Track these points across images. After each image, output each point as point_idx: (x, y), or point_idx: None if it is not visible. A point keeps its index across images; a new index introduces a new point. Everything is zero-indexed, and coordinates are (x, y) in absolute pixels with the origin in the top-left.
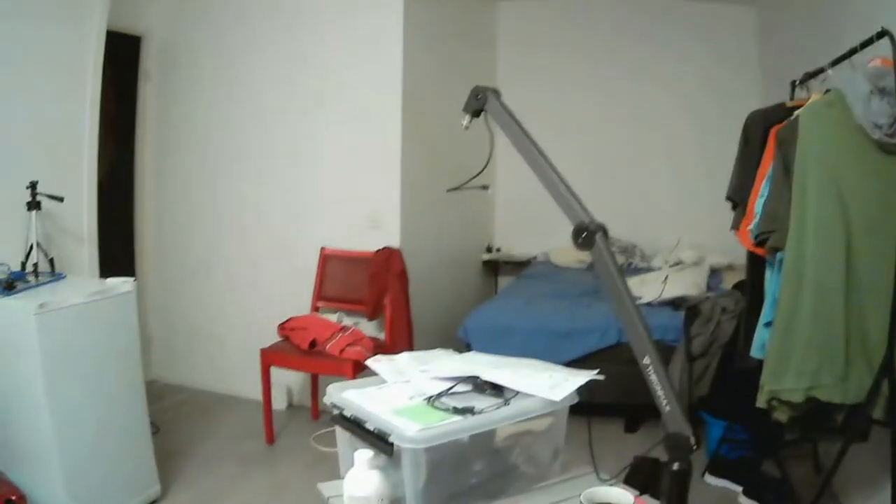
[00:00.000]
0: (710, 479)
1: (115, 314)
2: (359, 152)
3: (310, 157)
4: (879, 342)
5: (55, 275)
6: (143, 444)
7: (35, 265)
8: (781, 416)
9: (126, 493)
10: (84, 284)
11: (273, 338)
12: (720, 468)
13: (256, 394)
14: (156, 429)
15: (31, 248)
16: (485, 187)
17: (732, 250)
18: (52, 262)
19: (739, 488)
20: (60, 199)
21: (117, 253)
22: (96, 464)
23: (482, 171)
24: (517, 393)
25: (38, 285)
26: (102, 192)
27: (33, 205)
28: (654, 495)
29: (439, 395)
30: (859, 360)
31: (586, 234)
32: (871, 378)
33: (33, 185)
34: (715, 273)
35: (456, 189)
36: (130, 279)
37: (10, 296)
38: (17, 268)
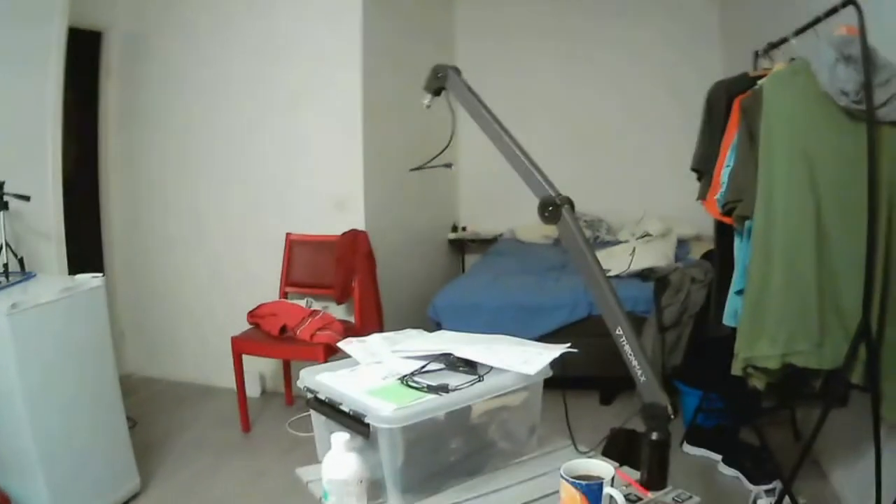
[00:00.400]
0: (689, 449)
1: (86, 310)
2: (321, 136)
3: (272, 144)
4: (853, 308)
5: (25, 274)
6: (121, 439)
7: (5, 265)
8: (758, 383)
9: (107, 489)
10: (54, 282)
11: (244, 326)
12: (698, 438)
13: (230, 382)
14: (133, 423)
15: (1, 248)
16: (448, 165)
17: (699, 221)
18: (21, 261)
19: (718, 457)
20: (27, 199)
21: (85, 249)
22: (76, 461)
23: (445, 149)
24: (491, 369)
25: (9, 285)
26: (68, 189)
27: (0, 205)
28: (633, 466)
29: (413, 374)
30: (834, 325)
31: (553, 207)
32: (847, 343)
33: (0, 186)
34: (682, 244)
35: (419, 168)
36: (99, 275)
37: None
38: None
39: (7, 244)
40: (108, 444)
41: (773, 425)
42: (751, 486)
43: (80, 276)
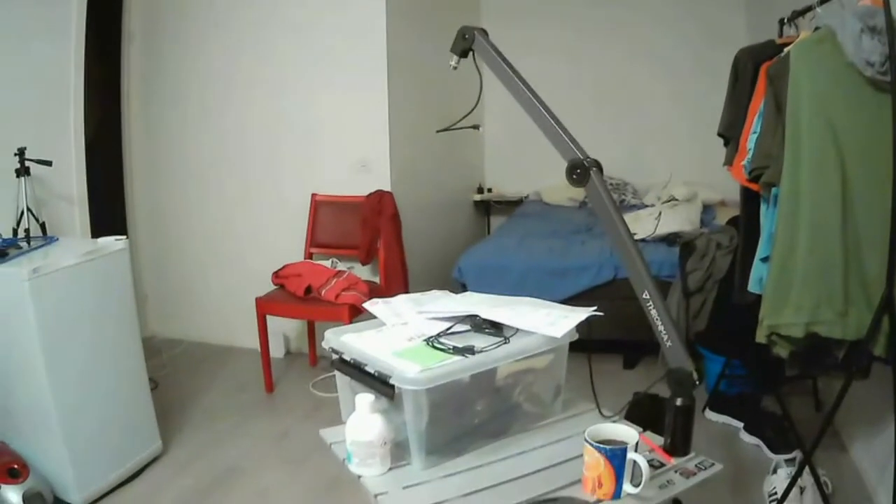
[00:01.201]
0: (711, 415)
1: (109, 273)
2: (346, 96)
3: (297, 105)
4: (878, 278)
5: (47, 238)
6: (142, 402)
7: (27, 230)
8: (782, 351)
9: (128, 452)
10: (76, 246)
11: (268, 286)
12: (720, 404)
13: (254, 343)
14: (154, 384)
15: (22, 213)
16: (475, 127)
17: (725, 186)
18: (43, 226)
19: (740, 424)
20: (49, 164)
21: (109, 213)
22: (97, 425)
23: (471, 111)
24: (517, 331)
25: (30, 250)
26: (91, 153)
27: (22, 171)
28: (656, 431)
29: (438, 335)
30: (858, 296)
31: (581, 170)
32: (871, 314)
33: (21, 152)
34: (708, 209)
35: (445, 130)
36: (122, 237)
37: (2, 263)
38: (9, 235)
39: (29, 209)
40: (130, 407)
41: (795, 395)
42: (771, 455)
43: (102, 240)
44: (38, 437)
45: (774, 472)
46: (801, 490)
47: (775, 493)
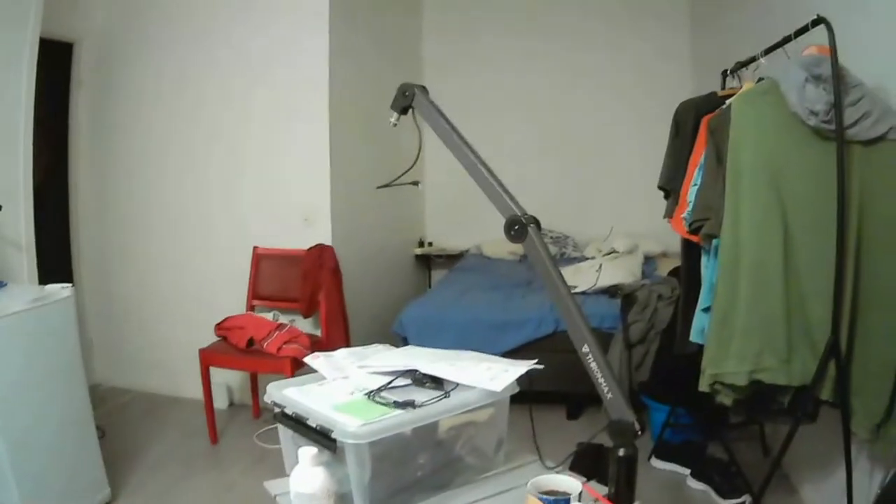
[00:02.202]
0: (657, 464)
1: (55, 320)
2: (289, 151)
3: (241, 158)
4: (822, 324)
5: None
6: (90, 450)
7: None
8: (725, 399)
9: (78, 500)
10: (24, 292)
11: (211, 338)
12: (666, 452)
13: (198, 394)
14: (102, 433)
15: None
16: (415, 183)
17: (666, 238)
18: None
19: (687, 471)
20: None
21: (55, 259)
22: (47, 474)
23: (411, 167)
24: (457, 385)
25: None
26: (38, 198)
27: None
28: (601, 481)
29: (379, 389)
30: (802, 342)
31: (518, 226)
32: (815, 360)
33: None
34: (649, 261)
35: (386, 186)
36: (69, 285)
37: None
38: None
39: None
40: (78, 454)
41: (742, 440)
42: (720, 501)
43: (49, 286)
44: None
45: None
46: None
47: None
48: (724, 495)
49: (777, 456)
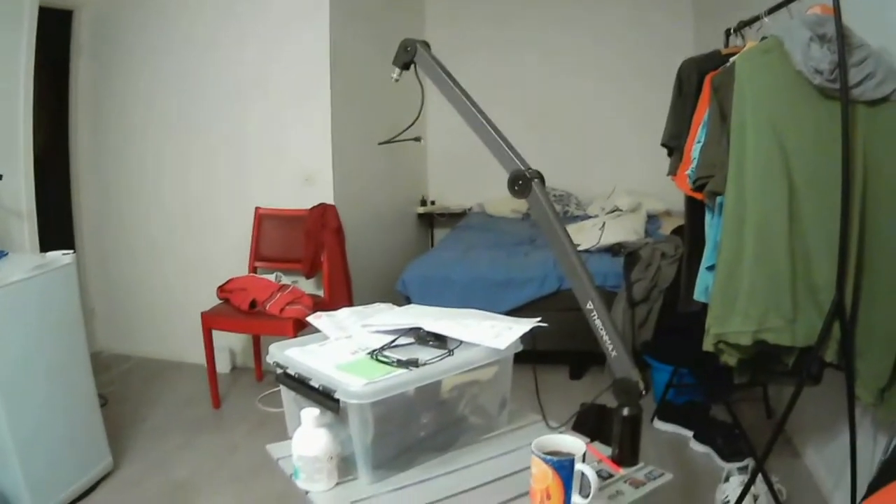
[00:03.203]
0: (659, 425)
1: (57, 287)
2: (289, 110)
3: (241, 119)
4: (827, 285)
5: None
6: (92, 418)
7: None
8: (729, 359)
9: (79, 469)
10: (25, 260)
11: (213, 301)
12: (669, 413)
13: (201, 358)
14: (104, 401)
15: None
16: (416, 139)
17: (669, 196)
18: None
19: (690, 433)
20: None
21: (56, 227)
22: (49, 443)
23: (413, 123)
24: (461, 343)
25: None
26: (39, 166)
27: None
28: (604, 441)
29: (382, 348)
30: (807, 302)
31: (522, 181)
32: (821, 320)
33: None
34: (652, 219)
35: (387, 142)
36: (70, 252)
37: None
38: None
39: None
40: (80, 424)
41: (745, 402)
42: (723, 463)
43: (50, 254)
44: None
45: (727, 480)
46: (755, 498)
47: (728, 502)
48: (727, 458)
49: (781, 419)
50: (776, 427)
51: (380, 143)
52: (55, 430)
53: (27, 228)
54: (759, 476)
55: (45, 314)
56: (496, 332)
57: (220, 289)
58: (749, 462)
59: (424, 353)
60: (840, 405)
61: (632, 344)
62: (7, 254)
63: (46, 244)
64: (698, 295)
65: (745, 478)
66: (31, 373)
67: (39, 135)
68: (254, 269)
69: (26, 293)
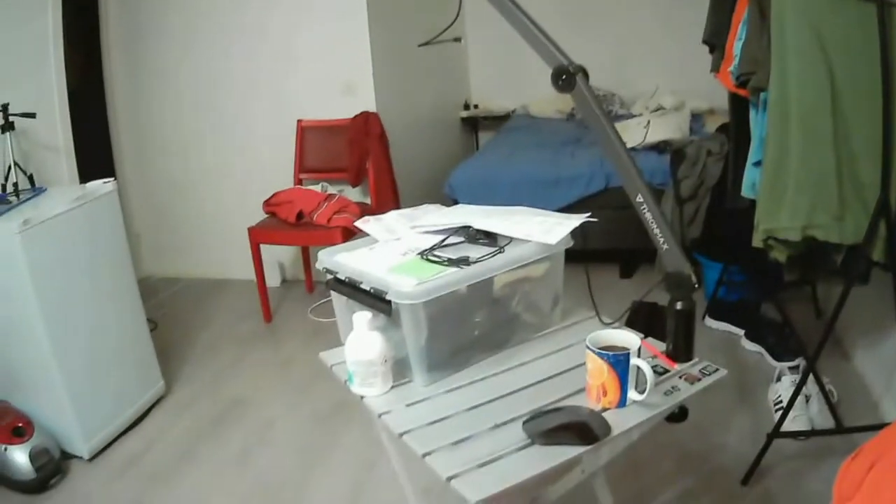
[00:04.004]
0: (711, 323)
1: (100, 217)
2: (325, 17)
3: (277, 33)
4: (872, 183)
5: (35, 190)
6: (142, 344)
7: (15, 185)
8: (779, 255)
9: (131, 396)
10: (65, 194)
11: (260, 216)
12: (720, 312)
13: (249, 274)
14: (153, 325)
15: (9, 168)
16: (457, 39)
17: (712, 95)
18: (31, 178)
19: (741, 332)
20: (33, 116)
21: (96, 158)
22: (98, 373)
23: (453, 23)
24: (511, 240)
25: (19, 204)
26: (74, 101)
27: (6, 126)
28: (656, 339)
29: (432, 248)
30: (854, 200)
31: (566, 75)
32: (868, 218)
33: (4, 108)
34: (696, 117)
35: (427, 44)
36: (110, 179)
37: None
38: None
39: (15, 163)
40: (129, 350)
41: (795, 301)
42: (774, 363)
43: (91, 184)
44: (39, 392)
45: (778, 380)
46: (807, 398)
47: (780, 402)
48: (779, 357)
49: (830, 319)
50: (826, 327)
51: (420, 45)
52: (104, 359)
53: (66, 163)
54: (811, 376)
55: (90, 244)
56: (546, 228)
57: (266, 203)
58: (800, 362)
59: (475, 251)
60: (889, 306)
61: (681, 241)
62: (46, 189)
63: (87, 176)
64: (746, 191)
65: (796, 378)
66: (78, 303)
67: (73, 67)
68: (299, 182)
69: (70, 225)
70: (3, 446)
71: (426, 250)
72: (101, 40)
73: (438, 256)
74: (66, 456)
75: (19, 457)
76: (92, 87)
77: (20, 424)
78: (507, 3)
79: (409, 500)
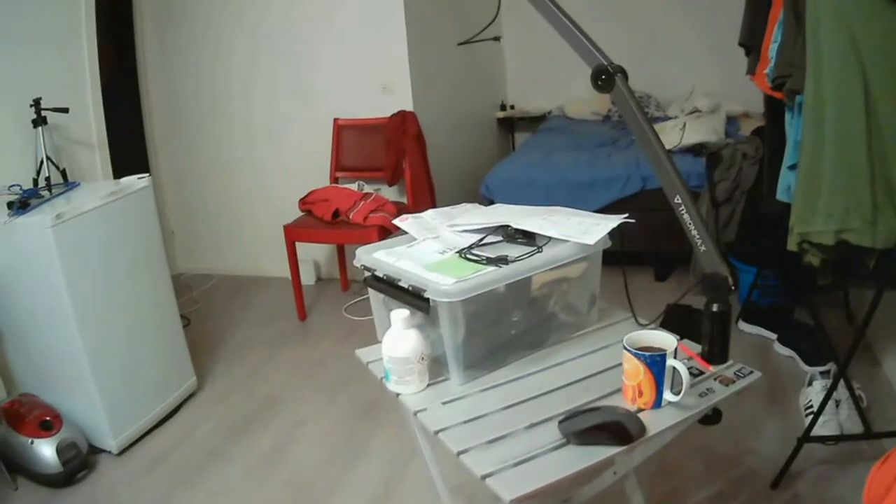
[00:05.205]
0: (744, 326)
1: (134, 212)
2: (363, 18)
3: (316, 30)
4: None
5: (69, 184)
6: (175, 340)
7: (47, 179)
8: (813, 259)
9: (162, 392)
10: (99, 188)
11: (295, 214)
12: (753, 315)
13: (284, 272)
14: (186, 321)
15: (42, 163)
16: (496, 39)
17: (747, 98)
18: (64, 172)
19: (774, 336)
20: (65, 111)
21: (130, 154)
22: (129, 369)
23: (492, 22)
24: (549, 240)
25: (52, 198)
26: (107, 96)
27: (39, 121)
28: (692, 341)
29: (471, 246)
30: (886, 204)
31: (606, 75)
32: None
33: (37, 102)
34: (732, 121)
35: (466, 43)
36: (145, 175)
37: (24, 214)
38: (30, 185)
39: (48, 157)
40: (162, 346)
41: (827, 308)
42: (806, 367)
43: (125, 179)
44: (70, 386)
45: (809, 384)
46: (837, 403)
47: (811, 406)
48: (810, 362)
49: (862, 324)
50: (857, 332)
51: (459, 44)
52: (135, 355)
53: (99, 158)
54: (841, 382)
55: (123, 240)
56: (584, 228)
57: (302, 201)
58: (831, 367)
59: (513, 251)
60: None
61: (716, 244)
62: (79, 184)
63: (121, 172)
64: (781, 194)
65: (827, 382)
66: (110, 299)
67: (106, 63)
68: (335, 180)
69: (104, 220)
70: (30, 439)
71: (464, 249)
72: (135, 33)
73: (477, 255)
74: (95, 450)
75: (46, 450)
76: (125, 82)
77: (48, 418)
78: (547, 3)
79: (442, 499)
